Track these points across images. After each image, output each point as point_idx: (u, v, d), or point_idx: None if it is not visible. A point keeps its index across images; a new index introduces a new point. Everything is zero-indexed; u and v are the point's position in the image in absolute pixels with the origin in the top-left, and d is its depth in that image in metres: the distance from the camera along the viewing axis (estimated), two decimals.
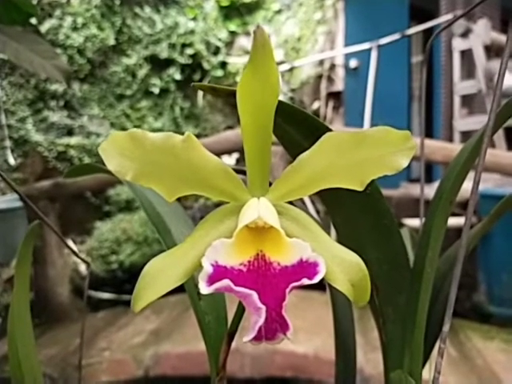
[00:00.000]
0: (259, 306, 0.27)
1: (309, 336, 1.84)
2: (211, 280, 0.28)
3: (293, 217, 0.35)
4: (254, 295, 0.27)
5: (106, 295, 2.60)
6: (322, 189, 0.34)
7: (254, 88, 0.30)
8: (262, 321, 0.27)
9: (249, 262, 0.30)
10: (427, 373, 0.54)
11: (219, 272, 0.28)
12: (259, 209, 0.32)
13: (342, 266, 0.34)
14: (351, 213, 0.46)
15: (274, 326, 0.27)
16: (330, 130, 0.36)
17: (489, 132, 0.36)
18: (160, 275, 0.34)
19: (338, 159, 0.32)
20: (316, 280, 0.28)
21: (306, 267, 0.29)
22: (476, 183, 0.38)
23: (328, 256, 0.33)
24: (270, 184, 0.36)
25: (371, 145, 0.31)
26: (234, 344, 0.45)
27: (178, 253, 0.34)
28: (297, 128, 0.40)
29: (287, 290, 0.28)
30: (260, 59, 0.29)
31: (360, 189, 0.33)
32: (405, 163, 0.31)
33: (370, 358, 1.62)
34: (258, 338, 0.27)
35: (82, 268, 2.63)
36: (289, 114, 0.39)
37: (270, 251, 0.31)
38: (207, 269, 0.28)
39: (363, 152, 0.31)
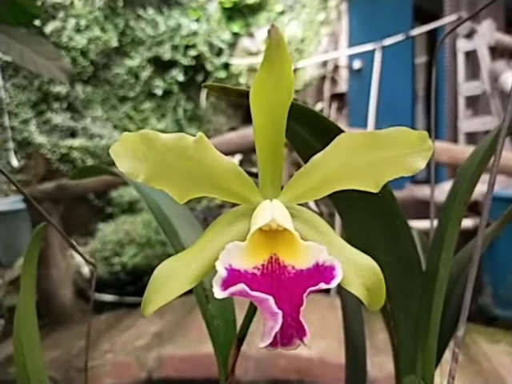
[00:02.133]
0: (276, 311, 0.26)
1: (313, 339, 1.83)
2: (226, 284, 0.27)
3: (306, 219, 0.34)
4: (271, 300, 0.26)
5: (108, 297, 2.59)
6: (336, 190, 0.34)
7: (267, 87, 0.30)
8: (278, 326, 0.26)
9: (262, 265, 0.29)
10: (438, 377, 0.53)
11: (233, 276, 0.28)
12: (272, 211, 0.31)
13: (357, 269, 0.33)
14: (362, 214, 0.46)
15: (290, 332, 0.27)
16: (342, 131, 0.35)
17: (504, 132, 0.35)
18: (170, 278, 0.33)
19: (352, 160, 0.31)
20: (333, 284, 0.27)
21: (322, 271, 0.28)
22: (491, 184, 0.37)
23: (342, 259, 0.32)
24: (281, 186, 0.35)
25: (387, 145, 0.30)
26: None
27: (189, 256, 0.34)
28: (308, 129, 0.40)
29: (304, 295, 0.27)
30: (274, 58, 0.29)
31: (375, 190, 0.32)
32: (422, 165, 0.30)
33: (375, 361, 1.60)
34: (273, 344, 0.26)
35: (85, 270, 2.63)
36: (300, 114, 0.39)
37: (284, 254, 0.30)
38: (221, 273, 0.27)
39: (379, 153, 0.30)
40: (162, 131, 0.30)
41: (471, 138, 3.17)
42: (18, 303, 0.52)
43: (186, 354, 1.82)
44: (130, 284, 2.58)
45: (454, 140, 3.40)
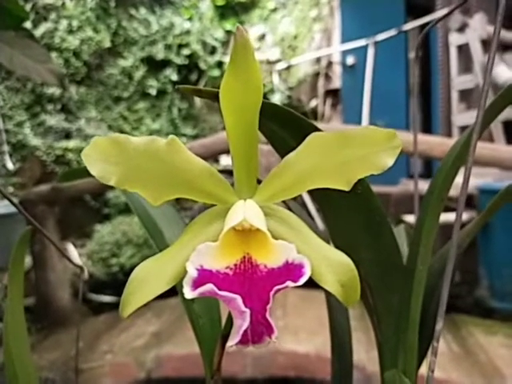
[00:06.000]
0: (243, 309, 0.27)
1: (310, 335, 1.84)
2: (196, 284, 0.27)
3: (281, 218, 0.34)
4: (238, 299, 0.27)
5: (107, 298, 2.60)
6: (310, 189, 0.34)
7: (236, 89, 0.30)
8: (246, 324, 0.26)
9: (235, 265, 0.30)
10: (426, 371, 0.54)
11: (204, 276, 0.28)
12: (245, 211, 0.31)
13: (331, 266, 0.33)
14: (342, 212, 0.46)
15: (261, 330, 0.27)
16: (318, 130, 0.35)
17: (478, 128, 0.36)
18: (148, 280, 0.33)
19: (323, 159, 0.32)
20: (300, 282, 0.28)
21: (291, 269, 0.29)
22: (466, 180, 0.37)
23: (317, 257, 0.32)
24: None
25: (356, 144, 0.31)
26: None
27: (166, 257, 0.34)
28: (285, 128, 0.40)
29: (271, 293, 0.28)
30: (241, 60, 0.29)
31: (347, 189, 0.33)
32: (390, 162, 0.31)
33: (371, 356, 1.61)
34: (244, 342, 0.27)
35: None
36: (276, 114, 0.39)
37: (257, 254, 0.30)
38: (192, 273, 0.28)
39: (348, 152, 0.31)
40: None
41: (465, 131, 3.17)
42: (6, 309, 0.52)
43: (185, 353, 1.83)
44: None
45: (449, 134, 3.40)
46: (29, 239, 0.54)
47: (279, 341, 1.76)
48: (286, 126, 0.39)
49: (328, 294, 0.54)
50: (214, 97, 0.36)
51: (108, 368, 1.83)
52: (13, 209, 2.27)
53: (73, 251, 2.77)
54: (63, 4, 3.13)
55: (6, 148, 2.81)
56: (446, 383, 1.56)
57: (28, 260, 2.29)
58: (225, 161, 2.99)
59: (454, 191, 0.58)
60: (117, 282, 2.63)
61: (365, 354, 1.61)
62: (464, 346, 1.83)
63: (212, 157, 2.46)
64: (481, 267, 2.30)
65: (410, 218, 2.10)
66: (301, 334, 1.85)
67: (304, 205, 2.39)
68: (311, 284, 0.33)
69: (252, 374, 1.73)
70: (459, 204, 0.36)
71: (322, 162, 0.32)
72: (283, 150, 0.41)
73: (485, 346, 1.83)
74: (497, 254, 2.22)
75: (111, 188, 2.71)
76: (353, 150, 0.31)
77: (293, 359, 1.75)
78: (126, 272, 2.65)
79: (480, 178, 2.31)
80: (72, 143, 3.05)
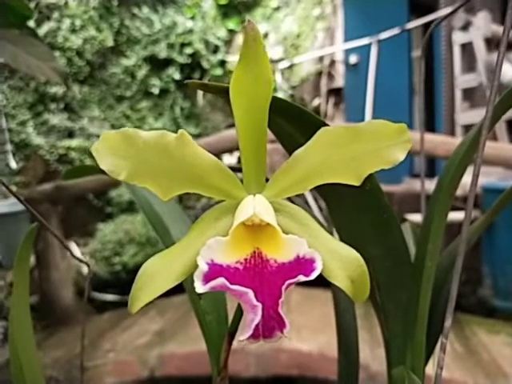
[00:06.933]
0: (255, 303, 0.26)
1: (314, 334, 1.84)
2: (207, 279, 0.27)
3: (290, 213, 0.34)
4: (250, 293, 0.27)
5: (110, 297, 2.60)
6: (320, 184, 0.34)
7: (246, 83, 0.30)
8: (258, 319, 0.26)
9: (245, 259, 0.30)
10: (432, 368, 0.54)
11: (215, 270, 0.28)
12: (255, 206, 0.31)
13: (341, 262, 0.33)
14: (351, 209, 0.46)
15: (272, 324, 0.27)
16: (327, 125, 0.35)
17: (487, 124, 0.36)
18: (157, 275, 0.33)
19: (333, 154, 0.31)
20: (312, 277, 0.28)
21: (302, 264, 0.28)
22: (475, 176, 0.37)
23: (326, 252, 0.32)
24: (268, 181, 0.35)
25: (367, 138, 0.30)
26: (238, 343, 0.45)
27: (175, 252, 0.34)
28: (293, 124, 0.40)
29: (283, 288, 0.27)
30: (252, 54, 0.29)
31: (357, 184, 0.32)
32: (401, 157, 0.31)
33: (376, 355, 1.61)
34: (255, 337, 0.27)
35: (86, 270, 2.64)
36: (284, 109, 0.39)
37: (267, 248, 0.30)
38: (202, 268, 0.28)
39: (359, 146, 0.31)
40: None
41: (468, 130, 3.16)
42: (12, 305, 0.52)
43: (188, 351, 1.83)
44: (131, 283, 2.58)
45: (452, 133, 3.39)
46: (35, 236, 0.54)
47: (281, 339, 1.76)
48: (294, 121, 0.39)
49: (335, 292, 0.54)
50: (223, 92, 0.36)
51: (111, 366, 1.83)
52: (16, 208, 2.27)
53: (75, 250, 2.77)
54: (66, 3, 3.13)
55: (9, 147, 2.81)
56: (450, 382, 1.55)
57: (31, 259, 2.30)
58: (227, 160, 3.00)
59: (458, 190, 0.58)
60: (119, 281, 2.63)
61: (369, 352, 1.61)
62: (467, 346, 1.83)
63: (215, 156, 2.46)
64: (484, 266, 2.30)
65: (414, 217, 2.09)
66: (304, 333, 1.85)
67: (306, 203, 2.38)
68: (314, 283, 0.33)
69: (255, 373, 1.73)
70: (469, 200, 0.35)
71: (331, 157, 0.31)
72: (291, 146, 0.41)
73: (488, 345, 1.83)
74: (500, 252, 2.22)
75: (114, 186, 2.71)
76: (363, 144, 0.31)
77: (296, 358, 1.75)
78: (129, 270, 2.65)
79: (484, 177, 2.30)
80: (75, 142, 3.06)
